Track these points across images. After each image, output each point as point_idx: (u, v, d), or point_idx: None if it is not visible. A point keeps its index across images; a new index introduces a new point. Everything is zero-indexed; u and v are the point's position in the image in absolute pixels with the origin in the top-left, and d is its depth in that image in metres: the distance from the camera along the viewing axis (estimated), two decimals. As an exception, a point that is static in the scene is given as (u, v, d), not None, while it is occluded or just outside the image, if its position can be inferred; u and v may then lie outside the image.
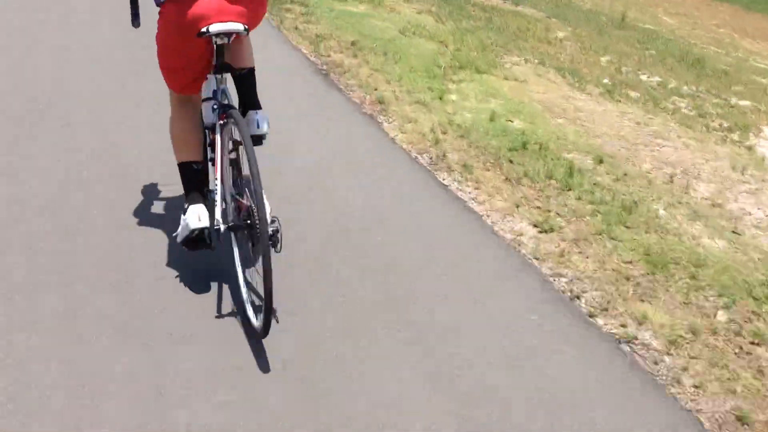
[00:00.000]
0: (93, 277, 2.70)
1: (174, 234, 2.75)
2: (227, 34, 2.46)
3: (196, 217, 2.58)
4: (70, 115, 4.09)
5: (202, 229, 2.58)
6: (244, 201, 2.45)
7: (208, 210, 2.63)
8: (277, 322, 2.40)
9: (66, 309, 2.53)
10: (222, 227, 2.50)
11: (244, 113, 2.76)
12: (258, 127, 2.73)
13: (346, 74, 5.20)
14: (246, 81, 2.80)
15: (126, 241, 2.93)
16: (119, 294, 2.62)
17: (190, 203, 2.65)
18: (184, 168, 2.74)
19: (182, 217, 2.64)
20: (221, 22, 2.42)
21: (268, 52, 5.19)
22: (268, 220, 2.33)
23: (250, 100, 2.80)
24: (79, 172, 3.46)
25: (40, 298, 2.57)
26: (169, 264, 2.80)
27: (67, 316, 2.50)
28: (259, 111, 2.79)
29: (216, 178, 2.56)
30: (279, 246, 2.37)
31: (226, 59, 2.61)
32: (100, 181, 3.39)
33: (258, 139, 2.72)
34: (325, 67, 5.35)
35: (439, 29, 6.84)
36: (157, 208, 3.20)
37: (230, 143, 2.59)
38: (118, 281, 2.69)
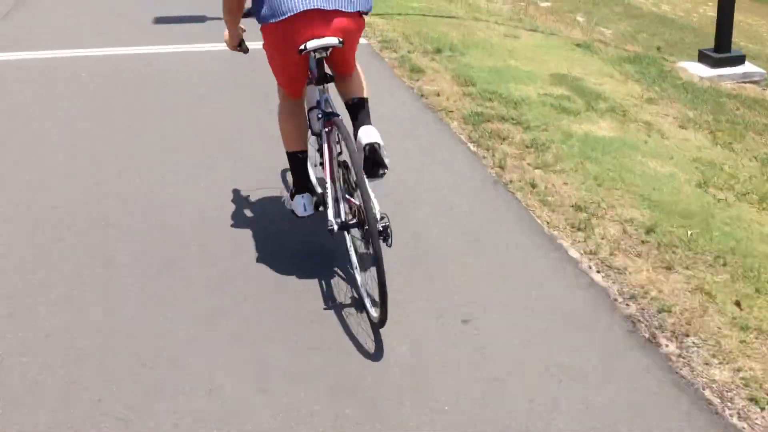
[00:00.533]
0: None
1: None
2: (325, 48, 2.61)
3: (302, 206, 2.87)
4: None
5: (308, 216, 2.87)
6: (354, 200, 2.59)
7: (312, 199, 2.90)
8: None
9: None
10: (335, 227, 2.60)
11: (356, 130, 2.82)
12: (369, 135, 2.74)
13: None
14: (358, 107, 2.90)
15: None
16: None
17: (297, 192, 2.89)
18: (292, 157, 2.94)
19: (289, 201, 2.96)
20: (317, 38, 2.57)
21: (511, 255, 3.08)
22: (378, 217, 2.46)
23: (362, 121, 2.86)
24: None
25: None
26: (287, 266, 2.90)
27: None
28: (369, 125, 2.83)
29: (326, 181, 2.68)
30: (390, 241, 2.49)
31: (339, 89, 2.92)
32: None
33: (373, 156, 2.72)
34: (650, 323, 2.65)
35: (745, 167, 4.19)
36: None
37: (337, 147, 2.69)
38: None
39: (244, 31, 3.04)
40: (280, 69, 2.84)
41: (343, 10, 2.61)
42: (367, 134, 2.74)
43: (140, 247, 3.12)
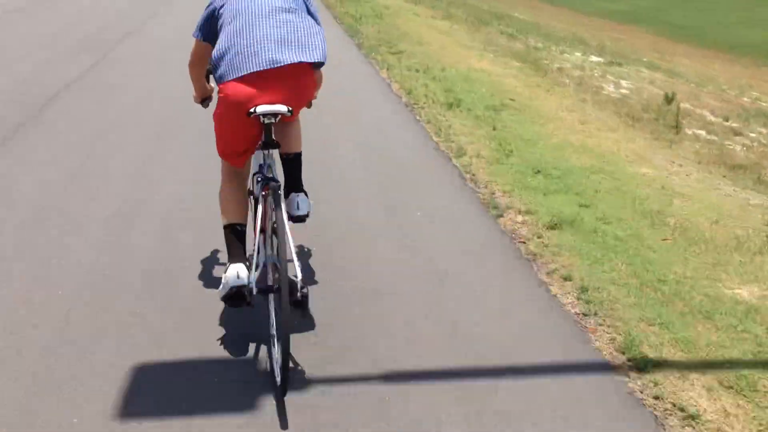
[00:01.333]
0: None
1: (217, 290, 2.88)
2: (274, 114, 2.64)
3: (235, 274, 2.69)
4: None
5: (240, 287, 2.68)
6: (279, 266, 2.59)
7: (247, 269, 2.72)
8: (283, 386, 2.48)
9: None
10: (254, 289, 2.66)
11: (287, 194, 2.99)
12: (298, 208, 2.97)
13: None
14: (292, 164, 3.03)
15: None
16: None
17: (231, 261, 2.78)
18: (229, 229, 2.88)
19: (224, 275, 2.75)
20: (268, 103, 2.62)
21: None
22: (298, 286, 2.50)
23: (293, 183, 3.02)
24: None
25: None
26: (208, 322, 2.94)
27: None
28: (300, 193, 3.01)
29: (254, 245, 2.78)
30: (306, 312, 2.62)
31: (276, 139, 2.79)
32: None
33: (299, 219, 3.00)
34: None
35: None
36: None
37: (273, 214, 2.71)
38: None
39: (212, 89, 3.10)
40: (226, 133, 2.83)
41: (302, 60, 2.65)
42: (297, 206, 2.96)
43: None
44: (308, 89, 2.79)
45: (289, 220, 2.84)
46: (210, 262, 3.40)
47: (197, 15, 2.93)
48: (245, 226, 2.89)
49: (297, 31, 2.71)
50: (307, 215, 2.98)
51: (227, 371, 2.64)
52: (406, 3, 14.56)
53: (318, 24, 2.82)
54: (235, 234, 2.85)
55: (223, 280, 2.75)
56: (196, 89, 3.14)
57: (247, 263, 2.74)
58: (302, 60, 2.66)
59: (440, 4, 15.36)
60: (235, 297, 2.68)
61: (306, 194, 3.02)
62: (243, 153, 2.89)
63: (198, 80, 3.10)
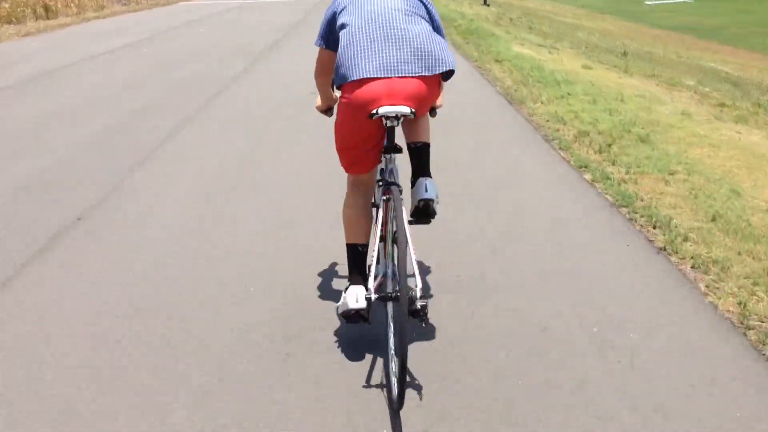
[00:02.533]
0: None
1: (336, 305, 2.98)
2: (396, 116, 2.57)
3: (354, 298, 2.70)
4: None
5: (358, 310, 2.70)
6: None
7: (366, 292, 2.70)
8: (420, 398, 2.49)
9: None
10: (373, 297, 2.59)
11: (413, 182, 2.83)
12: (426, 190, 2.77)
13: None
14: (419, 153, 2.87)
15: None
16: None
17: (351, 283, 2.80)
18: (350, 249, 2.88)
19: (343, 294, 2.80)
20: (390, 105, 2.54)
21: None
22: (417, 295, 2.42)
23: (421, 169, 2.86)
24: None
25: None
26: (329, 331, 2.97)
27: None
28: (428, 177, 2.83)
29: (373, 251, 2.71)
30: (426, 322, 2.47)
31: (403, 130, 2.84)
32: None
33: (425, 210, 2.77)
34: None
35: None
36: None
37: (393, 222, 2.62)
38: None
39: (336, 99, 3.00)
40: (347, 136, 2.77)
41: (424, 74, 2.58)
42: (425, 189, 2.77)
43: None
44: (432, 97, 2.71)
45: (412, 217, 2.80)
46: (330, 274, 3.48)
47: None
48: (367, 246, 2.89)
49: (422, 37, 2.63)
50: (434, 201, 2.77)
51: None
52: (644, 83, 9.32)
53: (442, 36, 2.78)
54: (355, 255, 2.86)
55: (341, 299, 2.79)
56: (321, 98, 3.09)
57: (367, 286, 2.70)
58: (430, 73, 2.60)
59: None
60: (353, 317, 2.72)
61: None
62: (363, 160, 2.85)
63: (323, 89, 3.04)
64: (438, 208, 2.81)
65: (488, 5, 22.68)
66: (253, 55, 11.19)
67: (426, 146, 2.88)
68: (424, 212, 2.77)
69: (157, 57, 11.40)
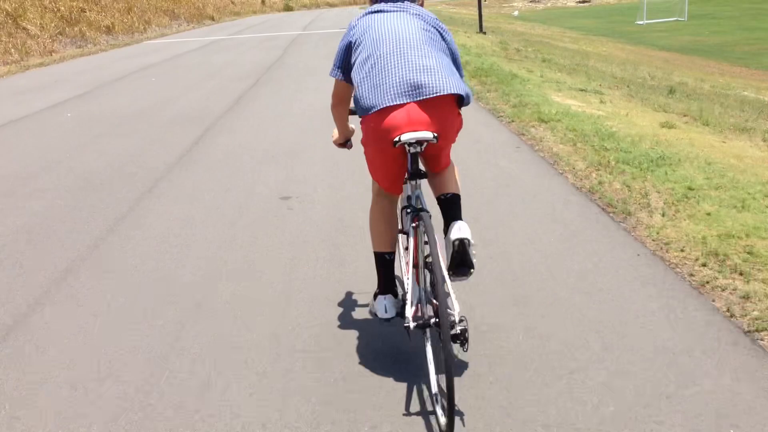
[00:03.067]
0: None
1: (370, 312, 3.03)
2: (419, 142, 2.59)
3: (383, 307, 2.84)
4: None
5: (388, 320, 2.84)
6: (435, 301, 2.51)
7: (395, 300, 2.85)
8: (463, 424, 2.43)
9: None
10: (411, 325, 2.54)
11: (446, 228, 2.75)
12: (460, 230, 2.68)
13: None
14: (449, 203, 2.84)
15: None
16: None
17: (380, 293, 2.88)
18: (378, 257, 2.91)
19: (372, 301, 2.95)
20: (412, 131, 2.57)
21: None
22: (456, 320, 2.40)
23: (453, 215, 2.79)
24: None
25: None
26: (365, 357, 2.93)
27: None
28: (460, 221, 2.75)
29: (407, 279, 2.67)
30: (466, 346, 2.44)
31: (431, 185, 2.89)
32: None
33: (462, 254, 2.64)
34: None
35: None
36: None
37: (425, 247, 2.64)
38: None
39: (353, 131, 3.07)
40: (377, 164, 2.82)
41: (440, 93, 2.58)
42: (458, 229, 2.67)
43: None
44: (454, 122, 2.69)
45: (449, 270, 2.65)
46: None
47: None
48: (393, 254, 2.92)
49: (439, 63, 2.64)
50: (469, 242, 2.65)
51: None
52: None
53: (459, 69, 2.83)
54: (383, 264, 2.89)
55: (370, 306, 2.99)
56: (339, 130, 3.09)
57: (397, 295, 2.87)
58: (447, 92, 2.59)
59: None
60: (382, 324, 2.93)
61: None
62: (394, 182, 2.85)
63: (341, 120, 3.04)
64: None
65: (485, 33, 20.15)
66: (206, 122, 8.35)
67: (456, 197, 2.82)
68: (461, 258, 2.63)
69: (75, 127, 8.45)
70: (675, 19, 38.76)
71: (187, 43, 21.40)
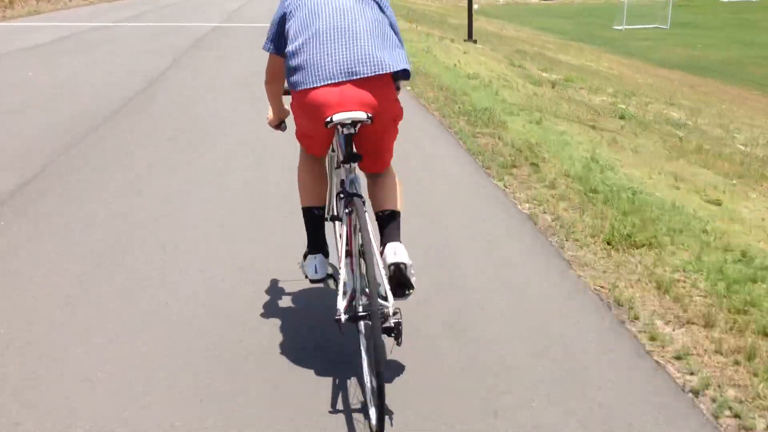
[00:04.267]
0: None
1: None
2: (353, 123, 2.48)
3: (313, 268, 2.72)
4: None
5: (319, 281, 2.74)
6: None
7: (326, 258, 2.75)
8: (391, 424, 2.33)
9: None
10: (343, 318, 2.40)
11: (382, 247, 2.64)
12: (395, 254, 2.55)
13: None
14: (387, 221, 2.71)
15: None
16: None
17: (310, 252, 2.76)
18: (306, 212, 2.80)
19: (301, 261, 2.81)
20: (344, 111, 2.45)
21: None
22: (390, 312, 2.29)
23: (390, 234, 2.67)
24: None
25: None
26: (292, 348, 2.79)
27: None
28: (397, 242, 2.63)
29: (341, 267, 2.52)
30: (399, 340, 2.34)
31: (369, 193, 2.74)
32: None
33: (399, 278, 2.51)
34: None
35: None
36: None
37: (359, 235, 2.49)
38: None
39: (288, 113, 2.93)
40: (305, 138, 2.77)
41: (380, 72, 2.48)
42: (394, 253, 2.55)
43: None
44: (389, 100, 2.58)
45: (393, 289, 2.47)
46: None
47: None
48: (323, 210, 2.83)
49: (380, 38, 2.54)
50: (406, 266, 2.53)
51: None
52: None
53: (399, 39, 2.66)
54: (312, 220, 2.78)
55: (301, 268, 2.81)
56: (273, 110, 2.97)
57: (328, 255, 2.76)
58: (384, 71, 2.49)
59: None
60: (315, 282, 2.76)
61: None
62: (321, 149, 2.80)
63: (275, 98, 2.92)
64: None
65: (475, 41, 15.54)
66: None
67: (394, 214, 2.71)
68: (398, 281, 2.51)
69: None
70: (655, 26, 35.37)
71: (39, 31, 15.15)
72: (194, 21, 17.72)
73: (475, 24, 33.61)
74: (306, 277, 2.74)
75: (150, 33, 14.68)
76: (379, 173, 2.76)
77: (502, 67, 11.87)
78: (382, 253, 2.57)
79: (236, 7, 22.78)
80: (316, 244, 2.75)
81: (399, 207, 2.73)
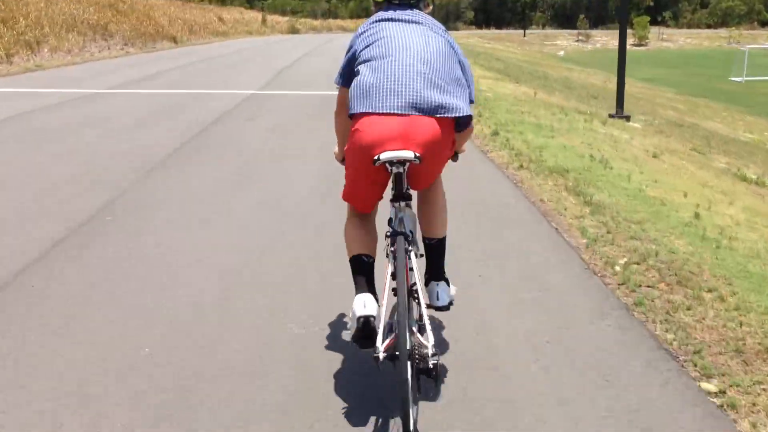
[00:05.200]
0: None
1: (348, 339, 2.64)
2: (401, 162, 2.43)
3: (361, 304, 2.51)
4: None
5: (367, 317, 2.45)
6: (416, 331, 2.41)
7: (375, 299, 2.58)
8: None
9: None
10: (381, 356, 2.29)
11: (426, 282, 2.73)
12: (437, 298, 2.66)
13: None
14: (434, 250, 2.76)
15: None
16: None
17: (357, 292, 2.63)
18: (354, 261, 2.67)
19: (352, 308, 2.59)
20: (393, 150, 2.40)
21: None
22: (430, 353, 2.25)
23: (434, 270, 2.75)
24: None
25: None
26: (341, 388, 2.67)
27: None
28: (441, 282, 2.72)
29: (381, 305, 2.46)
30: (438, 382, 2.34)
31: (419, 219, 2.73)
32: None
33: (440, 310, 2.70)
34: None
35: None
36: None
37: (412, 274, 2.48)
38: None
39: None
40: (352, 197, 2.71)
41: (434, 116, 2.41)
42: (435, 297, 2.66)
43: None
44: (444, 143, 2.51)
45: (428, 307, 2.56)
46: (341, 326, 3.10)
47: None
48: (372, 257, 2.69)
49: (448, 81, 2.49)
50: (448, 306, 2.68)
51: None
52: None
53: (468, 81, 2.60)
54: (360, 266, 2.68)
55: (350, 314, 2.65)
56: (339, 144, 2.88)
57: (375, 294, 2.62)
58: (446, 115, 2.43)
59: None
60: (364, 330, 2.42)
61: (448, 282, 2.74)
62: (365, 200, 2.72)
63: (342, 131, 2.79)
64: None
65: (628, 118, 10.73)
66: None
67: (441, 242, 2.76)
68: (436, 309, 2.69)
69: None
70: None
71: (28, 99, 10.15)
72: (223, 85, 12.72)
73: (568, 74, 28.63)
74: (354, 320, 2.44)
75: (148, 108, 9.55)
76: (426, 188, 2.73)
77: (710, 176, 6.90)
78: (426, 284, 2.68)
79: (289, 63, 18.15)
80: (364, 284, 2.57)
81: (445, 230, 2.75)
